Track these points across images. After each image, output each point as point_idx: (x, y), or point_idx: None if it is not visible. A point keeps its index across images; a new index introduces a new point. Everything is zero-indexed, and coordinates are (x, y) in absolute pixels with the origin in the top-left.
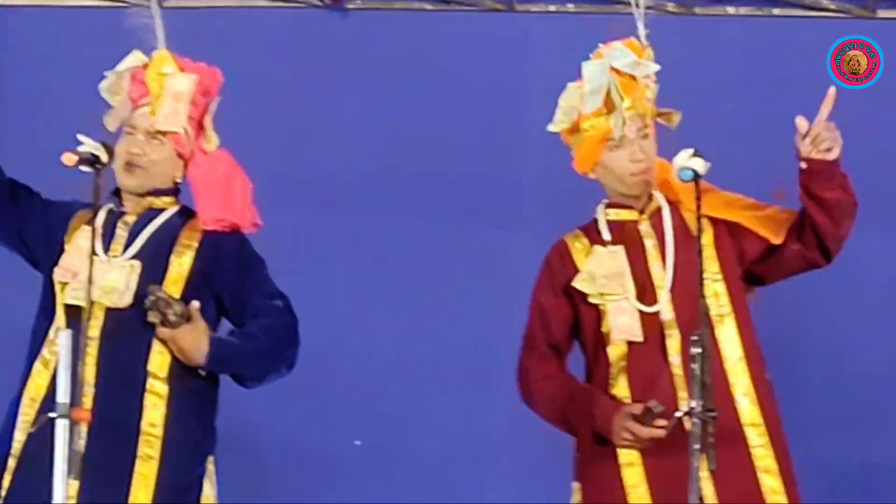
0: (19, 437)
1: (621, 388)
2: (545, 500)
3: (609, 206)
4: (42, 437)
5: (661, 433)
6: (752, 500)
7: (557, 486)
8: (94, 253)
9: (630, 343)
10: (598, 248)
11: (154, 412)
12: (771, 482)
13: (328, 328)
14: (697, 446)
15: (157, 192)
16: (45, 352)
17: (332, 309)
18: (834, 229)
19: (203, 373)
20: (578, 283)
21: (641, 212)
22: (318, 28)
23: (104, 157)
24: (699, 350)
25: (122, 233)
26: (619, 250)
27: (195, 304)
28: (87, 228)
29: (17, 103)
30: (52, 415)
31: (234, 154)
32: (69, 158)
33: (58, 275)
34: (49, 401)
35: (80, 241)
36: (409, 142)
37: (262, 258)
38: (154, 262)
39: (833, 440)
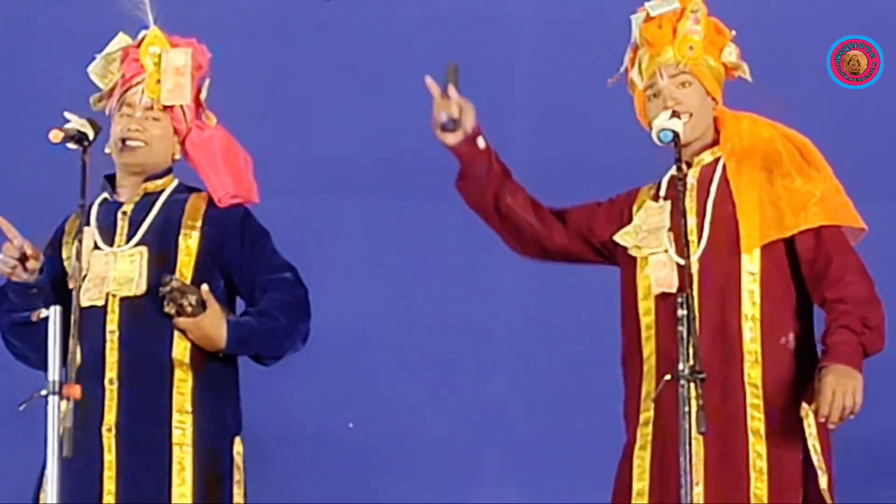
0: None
1: (650, 344)
2: (541, 481)
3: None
4: None
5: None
6: (739, 457)
7: (552, 466)
8: (86, 241)
9: (659, 297)
10: (649, 202)
11: (182, 399)
12: (758, 445)
13: (320, 310)
14: (687, 408)
15: (153, 177)
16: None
17: (324, 291)
18: None
19: (221, 355)
20: (619, 237)
21: (689, 164)
22: (301, 11)
23: (91, 134)
24: (685, 312)
25: (122, 223)
26: (666, 205)
27: (205, 287)
28: (87, 229)
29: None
30: (42, 392)
31: None
32: (55, 135)
33: (71, 282)
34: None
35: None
36: (394, 122)
37: (266, 230)
38: (162, 246)
39: None
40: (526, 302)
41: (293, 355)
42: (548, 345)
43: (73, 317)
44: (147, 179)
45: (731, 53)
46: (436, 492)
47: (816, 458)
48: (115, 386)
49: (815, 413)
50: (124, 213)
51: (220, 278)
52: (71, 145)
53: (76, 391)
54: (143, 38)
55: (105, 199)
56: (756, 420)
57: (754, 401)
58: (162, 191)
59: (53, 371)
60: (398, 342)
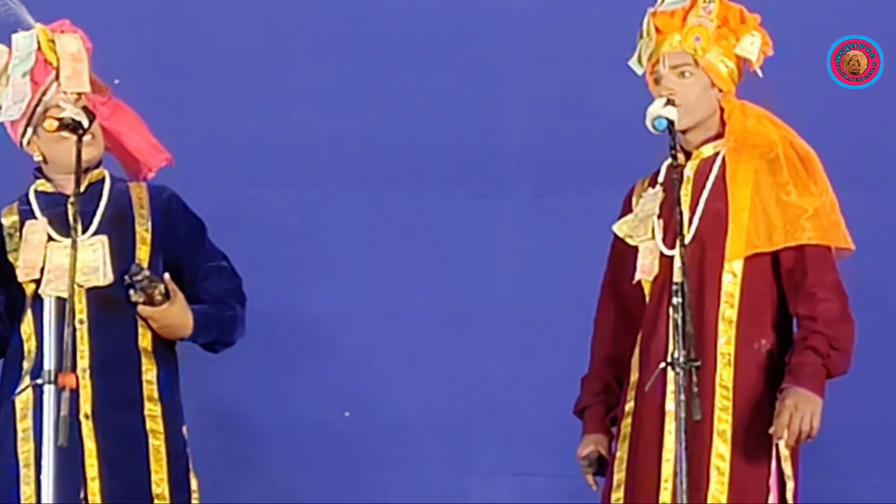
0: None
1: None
2: (536, 470)
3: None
4: None
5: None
6: (702, 458)
7: (549, 453)
8: (72, 234)
9: (652, 286)
10: (649, 189)
11: (150, 388)
12: (721, 447)
13: (316, 299)
14: (682, 396)
15: (93, 166)
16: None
17: (319, 280)
18: None
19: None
20: (615, 227)
21: (688, 156)
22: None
23: (86, 122)
24: (680, 300)
25: (73, 214)
26: (660, 192)
27: (168, 277)
28: (33, 222)
29: None
30: (38, 381)
31: (213, 126)
32: (50, 124)
33: (22, 276)
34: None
35: (29, 237)
36: (389, 110)
37: (201, 218)
38: (120, 234)
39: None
40: (523, 289)
41: (290, 343)
42: (545, 333)
43: (67, 306)
44: (88, 169)
45: (751, 44)
46: (431, 480)
47: (785, 466)
48: (88, 374)
49: (772, 435)
50: (72, 203)
51: (162, 265)
52: (65, 134)
53: (72, 380)
54: (38, 39)
55: (43, 192)
56: (723, 422)
57: (724, 403)
58: (102, 179)
59: (49, 360)
60: (394, 331)
